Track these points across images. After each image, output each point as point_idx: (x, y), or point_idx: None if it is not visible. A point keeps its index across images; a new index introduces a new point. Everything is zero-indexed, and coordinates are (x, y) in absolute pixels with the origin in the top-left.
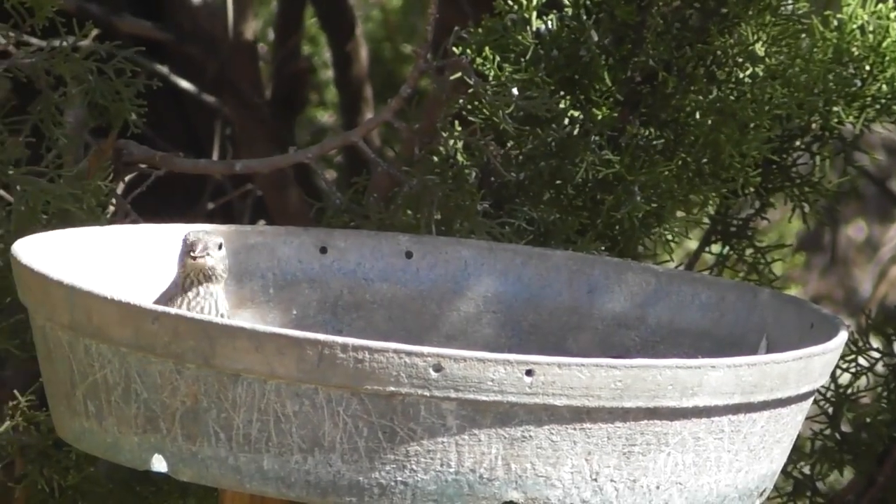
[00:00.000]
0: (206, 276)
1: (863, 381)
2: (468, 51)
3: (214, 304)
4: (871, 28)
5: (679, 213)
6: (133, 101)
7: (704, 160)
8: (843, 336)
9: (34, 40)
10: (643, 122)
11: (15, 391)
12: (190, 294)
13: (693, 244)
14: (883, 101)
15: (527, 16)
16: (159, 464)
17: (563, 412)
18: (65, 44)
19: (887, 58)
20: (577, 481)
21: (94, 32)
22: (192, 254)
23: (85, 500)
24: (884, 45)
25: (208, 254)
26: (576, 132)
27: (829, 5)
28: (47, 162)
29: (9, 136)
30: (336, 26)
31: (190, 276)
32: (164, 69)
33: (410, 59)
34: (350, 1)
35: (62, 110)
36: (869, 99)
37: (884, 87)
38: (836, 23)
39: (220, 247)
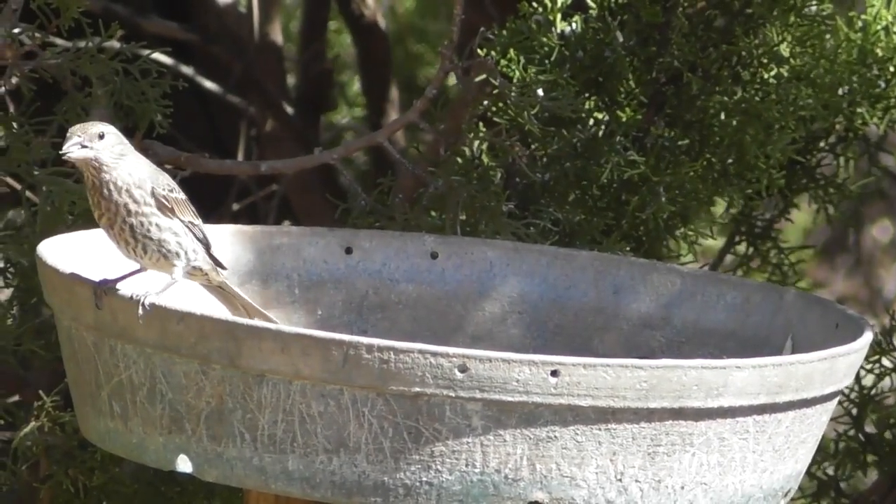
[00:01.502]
0: (96, 168)
1: (887, 381)
2: (493, 52)
3: (118, 191)
4: (895, 29)
5: (704, 214)
6: (158, 101)
7: (729, 161)
8: (868, 336)
9: (59, 41)
10: (668, 122)
11: (40, 392)
12: (96, 195)
13: (718, 244)
14: None
15: (552, 17)
16: (184, 464)
17: (589, 413)
18: (90, 44)
19: None
20: (602, 481)
21: (120, 33)
22: (61, 151)
23: (110, 501)
24: None
25: (85, 146)
26: (601, 133)
27: (854, 6)
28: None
29: (35, 136)
30: (361, 28)
31: (85, 174)
32: (189, 70)
33: (424, 61)
34: (371, 3)
35: (87, 111)
36: (893, 100)
37: None
38: (860, 24)
39: (101, 136)
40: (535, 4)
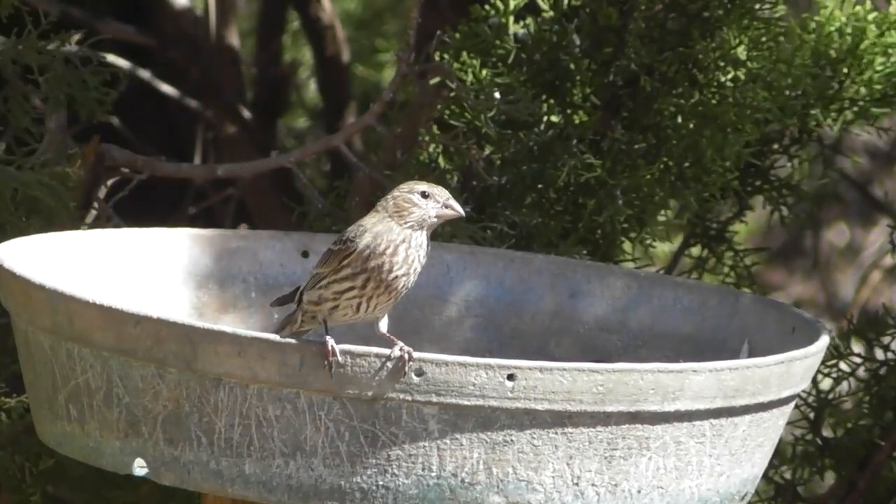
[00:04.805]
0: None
1: (844, 385)
2: (448, 55)
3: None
4: (848, 30)
5: (660, 217)
6: (101, 89)
7: (686, 164)
8: (824, 340)
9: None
10: (624, 126)
11: None
12: (412, 241)
13: (674, 247)
14: (861, 103)
15: (504, 20)
16: (140, 468)
17: (545, 416)
18: (32, 35)
19: (865, 60)
20: (559, 485)
21: (78, 36)
22: (462, 213)
23: (56, 486)
24: (861, 47)
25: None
26: (557, 136)
27: (807, 8)
28: (14, 149)
29: None
30: (318, 31)
31: (415, 225)
32: (146, 73)
33: (379, 65)
34: (329, 6)
35: (37, 109)
36: (847, 101)
37: (862, 89)
38: (814, 25)
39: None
40: (487, 7)
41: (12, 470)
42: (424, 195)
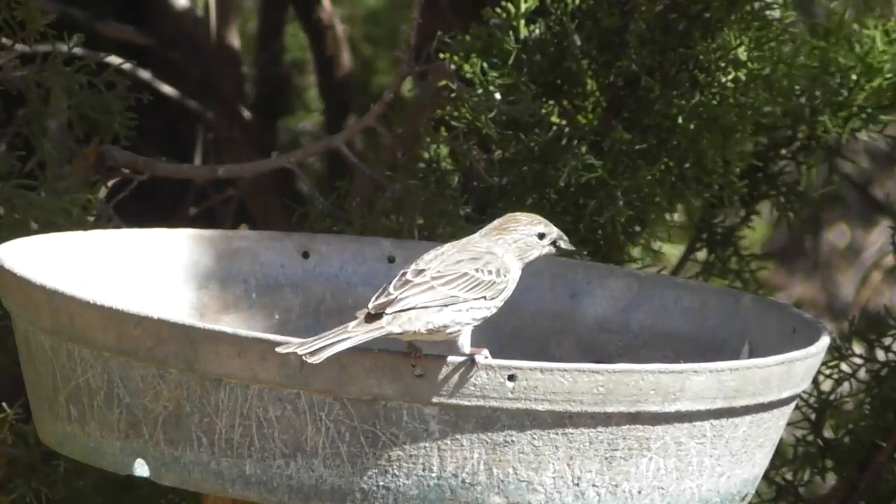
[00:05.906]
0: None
1: (845, 386)
2: (454, 57)
3: None
4: (857, 38)
5: (662, 221)
6: (122, 114)
7: (687, 165)
8: (825, 340)
9: (20, 46)
10: (626, 127)
11: (3, 404)
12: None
13: (679, 251)
14: (869, 110)
15: (515, 23)
16: (141, 468)
17: (546, 417)
18: (56, 55)
19: (874, 67)
20: (559, 486)
21: (78, 38)
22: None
23: None
24: (871, 55)
25: None
26: (558, 137)
27: (810, 9)
28: (37, 174)
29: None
30: (318, 31)
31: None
32: (147, 74)
33: (378, 66)
34: (329, 6)
35: (46, 117)
36: (855, 108)
37: (870, 96)
38: (823, 32)
39: None
40: (497, 10)
41: (29, 497)
42: (541, 236)
